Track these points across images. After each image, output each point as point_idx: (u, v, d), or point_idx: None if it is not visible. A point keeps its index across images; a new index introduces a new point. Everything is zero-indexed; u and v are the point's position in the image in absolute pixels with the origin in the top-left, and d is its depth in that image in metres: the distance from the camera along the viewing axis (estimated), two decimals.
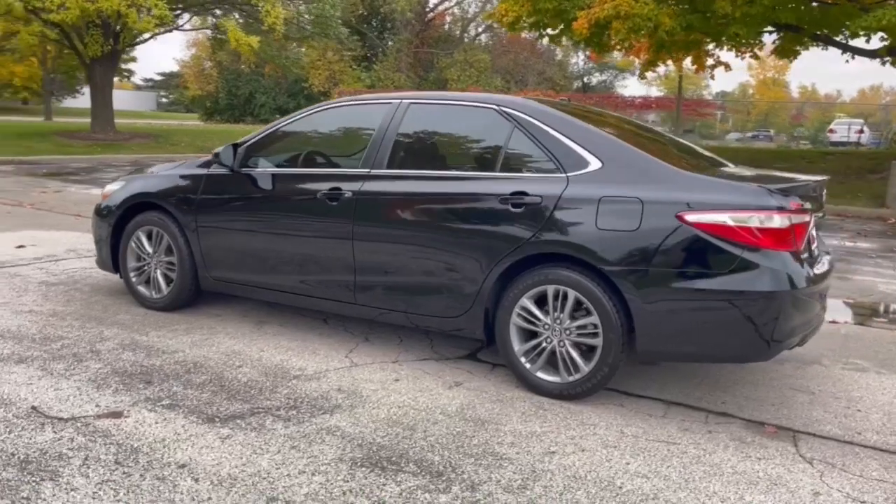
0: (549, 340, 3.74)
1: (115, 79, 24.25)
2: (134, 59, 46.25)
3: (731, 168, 4.37)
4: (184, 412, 3.32)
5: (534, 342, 3.80)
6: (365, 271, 4.21)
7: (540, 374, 3.77)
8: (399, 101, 4.41)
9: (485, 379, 3.98)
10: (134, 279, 5.09)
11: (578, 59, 58.22)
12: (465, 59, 44.98)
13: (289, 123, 4.83)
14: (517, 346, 3.83)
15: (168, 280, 4.94)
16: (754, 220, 3.42)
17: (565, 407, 3.63)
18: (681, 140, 4.94)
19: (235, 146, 4.67)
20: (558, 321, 3.69)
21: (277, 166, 4.68)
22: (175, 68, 58.99)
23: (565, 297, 3.65)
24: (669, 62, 18.24)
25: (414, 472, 2.87)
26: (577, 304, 3.64)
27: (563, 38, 17.25)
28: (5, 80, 42.71)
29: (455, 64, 44.75)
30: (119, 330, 4.51)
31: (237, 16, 22.37)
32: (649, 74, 19.86)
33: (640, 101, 30.53)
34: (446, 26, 51.48)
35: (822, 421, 3.61)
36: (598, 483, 2.86)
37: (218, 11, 22.60)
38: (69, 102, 49.92)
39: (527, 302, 3.76)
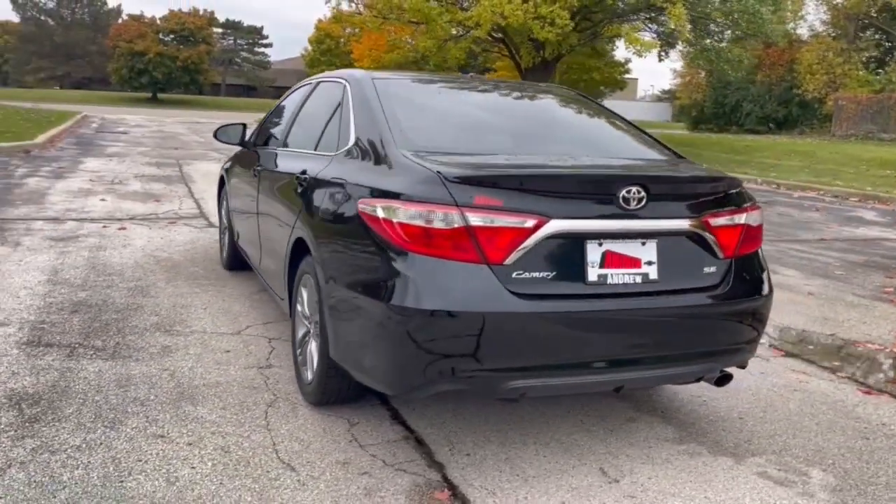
0: (309, 334, 3.44)
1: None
2: (628, 71, 48.64)
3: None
4: None
5: (300, 333, 3.52)
6: (263, 242, 4.42)
7: (304, 371, 3.47)
8: (317, 79, 4.37)
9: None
10: None
11: None
12: None
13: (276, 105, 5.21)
14: (298, 335, 3.58)
15: None
16: (401, 213, 2.65)
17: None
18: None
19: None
20: (306, 313, 3.47)
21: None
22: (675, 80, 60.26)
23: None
24: None
25: None
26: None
27: None
28: None
29: None
30: None
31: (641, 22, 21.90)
32: None
33: None
34: None
35: None
36: None
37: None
38: None
39: (301, 289, 3.50)
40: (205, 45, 58.69)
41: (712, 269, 3.02)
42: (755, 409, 3.70)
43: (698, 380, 3.15)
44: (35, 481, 2.64)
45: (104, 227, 7.54)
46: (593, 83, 46.03)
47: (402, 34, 22.89)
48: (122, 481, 2.66)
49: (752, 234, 3.17)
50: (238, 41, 77.27)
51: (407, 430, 3.24)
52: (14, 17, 78.13)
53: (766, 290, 3.22)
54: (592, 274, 2.78)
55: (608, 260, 2.81)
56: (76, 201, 9.11)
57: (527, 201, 2.69)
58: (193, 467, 2.80)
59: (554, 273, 2.73)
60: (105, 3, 77.06)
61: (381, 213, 2.73)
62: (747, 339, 3.17)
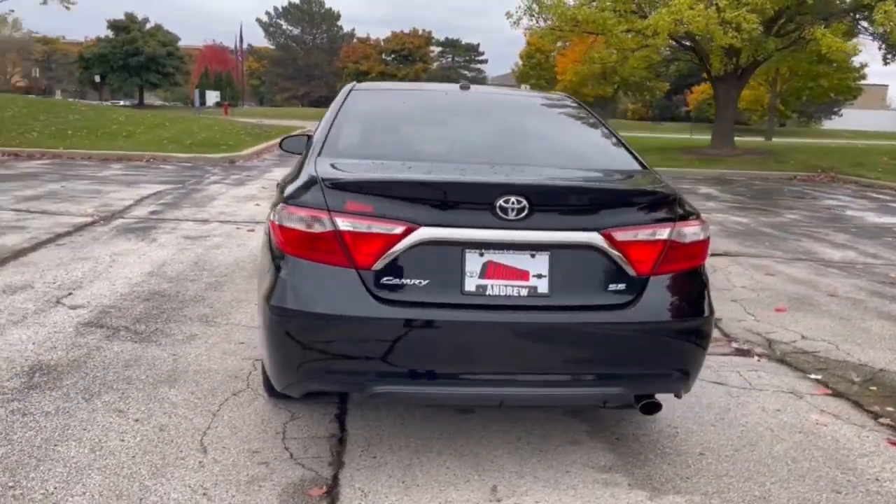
0: None
1: None
2: (863, 77, 43.87)
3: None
4: None
5: None
6: None
7: None
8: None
9: None
10: None
11: None
12: None
13: None
14: None
15: None
16: (284, 216, 2.82)
17: None
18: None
19: None
20: None
21: None
22: None
23: None
24: None
25: None
26: None
27: None
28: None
29: None
30: None
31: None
32: None
33: None
34: None
35: None
36: None
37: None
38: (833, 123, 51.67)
39: None
40: (421, 63, 61.93)
41: (621, 286, 2.81)
42: (729, 446, 3.34)
43: (626, 406, 2.94)
44: None
45: (237, 228, 8.36)
46: (821, 91, 42.28)
47: (597, 47, 22.55)
48: (55, 445, 3.06)
49: (683, 251, 2.89)
50: (456, 58, 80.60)
51: (338, 429, 3.34)
52: (267, 44, 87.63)
53: (698, 313, 2.92)
54: (470, 284, 2.72)
55: (490, 270, 2.73)
56: (233, 206, 10.17)
57: (397, 208, 2.70)
58: (123, 440, 3.13)
59: (428, 281, 2.71)
60: (340, 28, 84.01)
61: (272, 217, 2.89)
62: (673, 366, 2.90)
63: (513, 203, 2.68)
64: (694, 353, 2.94)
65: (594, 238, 2.76)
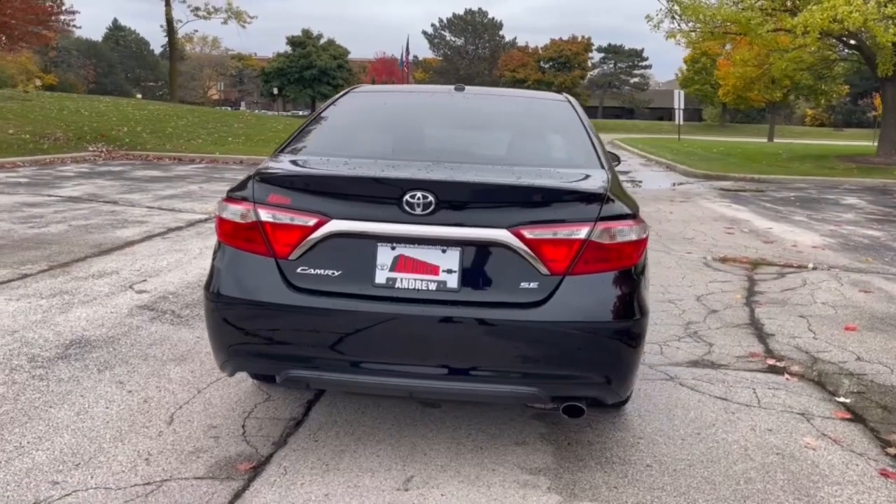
0: None
1: None
2: None
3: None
4: None
5: None
6: None
7: None
8: None
9: None
10: None
11: None
12: None
13: None
14: None
15: None
16: (220, 208, 3.00)
17: None
18: None
19: None
20: None
21: None
22: None
23: None
24: None
25: None
26: None
27: None
28: None
29: None
30: None
31: None
32: None
33: None
34: None
35: None
36: None
37: None
38: None
39: None
40: (579, 69, 61.23)
41: (533, 284, 2.76)
42: (685, 461, 3.17)
43: (554, 406, 2.88)
44: (3, 394, 3.58)
45: None
46: None
47: (740, 49, 21.36)
48: (50, 407, 3.47)
49: (606, 251, 2.79)
50: (618, 64, 78.90)
51: (302, 414, 3.52)
52: (432, 55, 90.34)
53: (621, 316, 2.80)
54: (381, 276, 2.80)
55: (400, 264, 2.79)
56: None
57: (313, 201, 2.83)
58: (108, 408, 3.49)
59: (341, 272, 2.82)
60: (502, 38, 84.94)
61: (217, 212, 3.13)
62: (590, 370, 2.80)
63: (419, 198, 2.73)
64: (616, 357, 2.83)
65: (503, 235, 2.74)
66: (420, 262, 2.79)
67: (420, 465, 3.05)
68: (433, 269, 2.79)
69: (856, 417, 3.73)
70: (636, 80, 78.25)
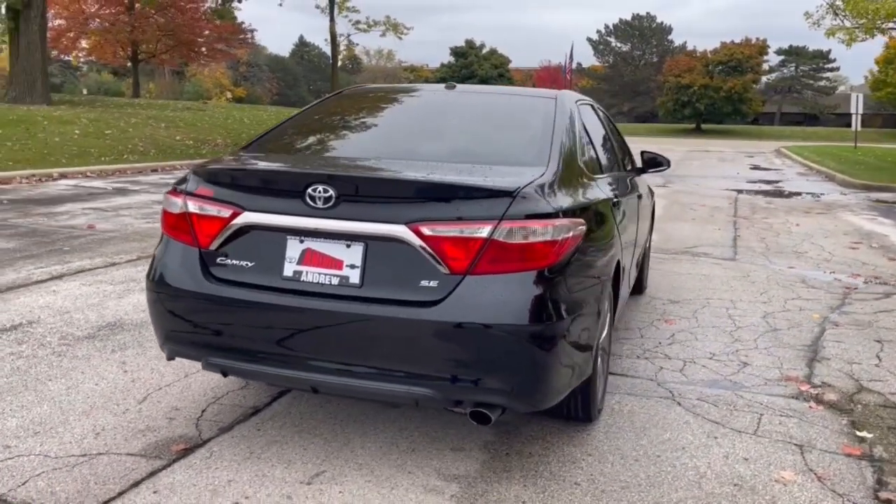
0: None
1: None
2: None
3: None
4: None
5: None
6: None
7: None
8: None
9: None
10: None
11: None
12: None
13: None
14: None
15: None
16: (164, 199, 3.13)
17: None
18: None
19: None
20: None
21: None
22: None
23: None
24: None
25: None
26: None
27: None
28: None
29: None
30: None
31: None
32: None
33: None
34: None
35: None
36: None
37: None
38: None
39: None
40: (752, 73, 57.66)
41: (433, 283, 2.66)
42: (622, 482, 2.92)
43: (456, 407, 2.78)
44: (13, 365, 3.96)
45: None
46: None
47: None
48: (49, 381, 3.79)
49: (512, 251, 2.63)
50: (800, 67, 73.35)
51: (266, 403, 3.61)
52: (597, 62, 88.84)
53: (528, 319, 2.63)
54: (288, 269, 2.82)
55: (307, 258, 2.80)
56: None
57: (230, 194, 2.90)
58: (97, 385, 3.75)
59: (254, 263, 2.87)
60: (671, 42, 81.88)
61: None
62: (489, 375, 2.65)
63: (320, 192, 2.73)
64: (518, 363, 2.66)
65: (401, 231, 2.67)
66: (325, 257, 2.79)
67: (340, 462, 3.03)
68: (337, 264, 2.77)
69: (865, 455, 3.26)
70: (822, 83, 72.36)
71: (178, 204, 3.04)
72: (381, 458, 3.08)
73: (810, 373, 4.33)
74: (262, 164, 3.14)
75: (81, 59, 52.69)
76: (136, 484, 2.82)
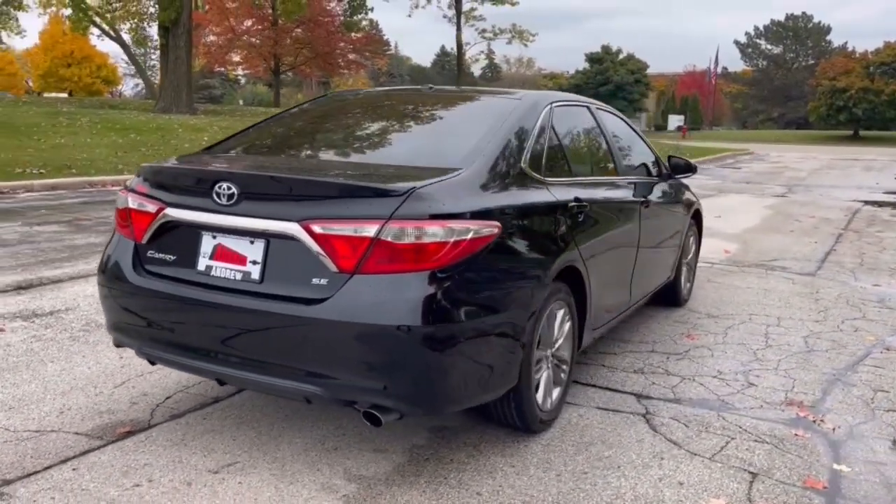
0: None
1: None
2: None
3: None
4: None
5: None
6: None
7: None
8: None
9: None
10: None
11: None
12: None
13: None
14: None
15: None
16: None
17: None
18: None
19: None
20: None
21: None
22: None
23: None
24: None
25: None
26: None
27: None
28: None
29: None
30: None
31: None
32: None
33: None
34: None
35: None
36: None
37: None
38: None
39: None
40: None
41: (323, 281, 2.66)
42: (526, 495, 2.78)
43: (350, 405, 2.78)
44: (28, 347, 4.32)
45: None
46: None
47: None
48: (51, 362, 4.09)
49: (401, 251, 2.59)
50: None
51: (230, 394, 3.74)
52: (745, 66, 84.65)
53: (410, 320, 2.57)
54: (202, 264, 2.91)
55: (218, 253, 2.88)
56: None
57: (157, 191, 3.04)
58: (89, 369, 4.03)
59: (175, 257, 3.00)
60: (829, 43, 76.57)
61: None
62: (370, 375, 2.62)
63: (224, 189, 2.81)
64: (399, 366, 2.60)
65: (294, 229, 2.70)
66: (233, 252, 2.87)
67: (259, 454, 3.10)
68: (242, 260, 2.84)
69: (828, 490, 2.93)
70: None
71: (122, 200, 3.23)
72: (301, 454, 3.12)
73: (821, 398, 3.93)
74: (183, 163, 3.28)
75: (239, 73, 56.68)
76: (65, 461, 3.01)
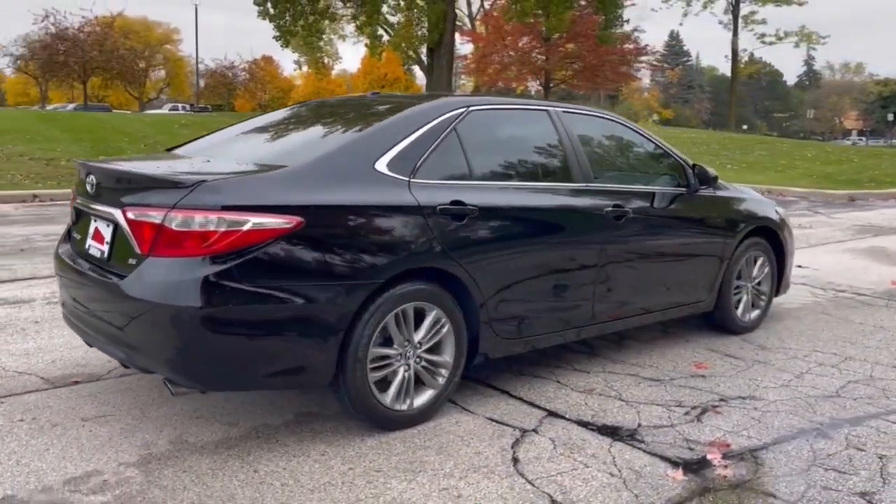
0: None
1: None
2: None
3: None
4: None
5: None
6: None
7: None
8: None
9: None
10: None
11: None
12: None
13: None
14: None
15: None
16: None
17: None
18: None
19: None
20: None
21: None
22: None
23: None
24: None
25: None
26: None
27: None
28: None
29: None
30: None
31: None
32: None
33: None
34: None
35: None
36: None
37: None
38: None
39: None
40: None
41: (133, 261, 3.04)
42: (316, 483, 2.85)
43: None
44: (51, 314, 5.22)
45: None
46: None
47: None
48: (62, 328, 4.80)
49: (181, 237, 2.90)
50: None
51: None
52: None
53: (178, 300, 2.88)
54: (87, 243, 3.45)
55: (95, 234, 3.40)
56: None
57: (77, 182, 3.66)
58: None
59: (80, 237, 3.58)
60: None
61: None
62: (148, 348, 3.04)
63: (91, 180, 3.34)
64: (168, 340, 2.90)
65: (117, 214, 3.12)
66: (99, 234, 3.36)
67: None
68: (102, 240, 3.33)
69: None
70: None
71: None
72: (139, 424, 3.40)
73: (768, 444, 3.34)
74: (86, 160, 3.90)
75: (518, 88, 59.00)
76: (9, 396, 3.72)
